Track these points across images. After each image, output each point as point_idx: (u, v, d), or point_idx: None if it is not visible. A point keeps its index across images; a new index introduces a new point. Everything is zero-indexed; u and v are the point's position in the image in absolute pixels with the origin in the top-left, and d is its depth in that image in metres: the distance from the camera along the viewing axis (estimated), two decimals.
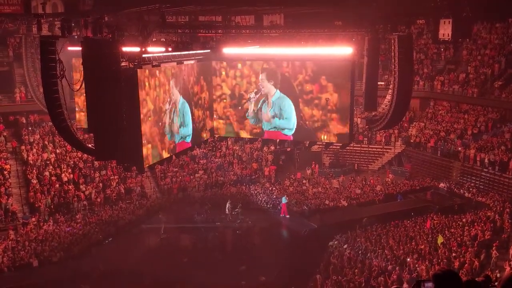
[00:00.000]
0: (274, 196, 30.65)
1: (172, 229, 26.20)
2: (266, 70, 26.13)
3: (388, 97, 22.14)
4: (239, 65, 26.31)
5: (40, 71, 17.66)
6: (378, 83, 24.70)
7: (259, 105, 26.36)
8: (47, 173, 30.21)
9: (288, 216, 27.85)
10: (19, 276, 21.96)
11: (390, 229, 24.60)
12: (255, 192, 31.63)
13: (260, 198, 30.64)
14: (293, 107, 25.85)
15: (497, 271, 18.74)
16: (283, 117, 26.07)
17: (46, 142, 32.98)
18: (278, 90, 25.99)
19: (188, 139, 25.02)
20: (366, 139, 37.28)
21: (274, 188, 32.24)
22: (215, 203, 29.50)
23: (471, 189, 29.78)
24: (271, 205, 29.63)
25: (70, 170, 30.98)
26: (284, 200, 28.29)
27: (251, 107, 26.55)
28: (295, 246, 25.15)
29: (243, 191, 31.81)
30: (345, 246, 23.14)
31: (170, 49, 20.63)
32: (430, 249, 21.37)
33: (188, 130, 24.86)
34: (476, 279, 4.20)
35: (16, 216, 27.26)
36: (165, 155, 23.01)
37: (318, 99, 25.16)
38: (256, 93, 26.30)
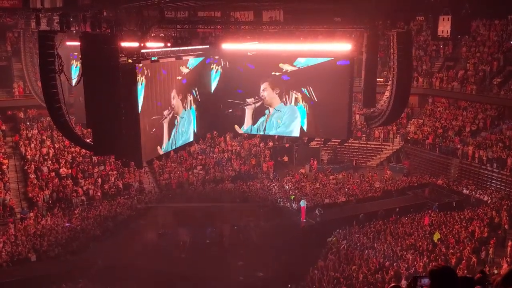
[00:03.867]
0: (275, 191, 30.75)
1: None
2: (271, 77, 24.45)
3: (387, 93, 22.11)
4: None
5: (39, 66, 17.62)
6: (377, 79, 24.67)
7: (260, 120, 25.09)
8: (45, 168, 30.20)
9: (305, 220, 27.04)
10: (17, 270, 21.96)
11: (388, 225, 24.67)
12: (254, 188, 31.69)
13: (260, 194, 30.70)
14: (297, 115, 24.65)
15: (494, 268, 18.83)
16: (286, 127, 24.98)
17: (45, 137, 32.95)
18: (282, 104, 24.60)
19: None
20: (364, 135, 37.32)
21: (274, 184, 32.32)
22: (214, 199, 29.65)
23: (469, 186, 29.86)
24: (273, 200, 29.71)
25: (68, 165, 30.97)
26: (302, 203, 27.57)
27: (248, 115, 25.17)
28: (293, 241, 25.20)
29: (241, 187, 31.86)
30: (343, 242, 23.19)
31: (169, 44, 20.60)
32: (428, 245, 21.44)
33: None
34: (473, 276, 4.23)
35: (14, 211, 27.26)
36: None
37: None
38: (255, 100, 24.80)
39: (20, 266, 22.35)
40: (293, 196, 29.20)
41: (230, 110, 25.29)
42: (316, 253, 22.99)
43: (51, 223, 25.98)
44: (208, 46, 23.56)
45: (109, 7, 20.48)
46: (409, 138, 36.40)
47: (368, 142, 37.42)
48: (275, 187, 31.79)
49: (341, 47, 22.45)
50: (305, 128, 24.68)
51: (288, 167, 35.98)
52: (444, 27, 26.37)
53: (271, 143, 36.43)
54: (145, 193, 30.94)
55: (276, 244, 24.10)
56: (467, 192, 29.23)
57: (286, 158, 36.93)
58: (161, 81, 21.44)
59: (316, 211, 27.16)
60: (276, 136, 28.43)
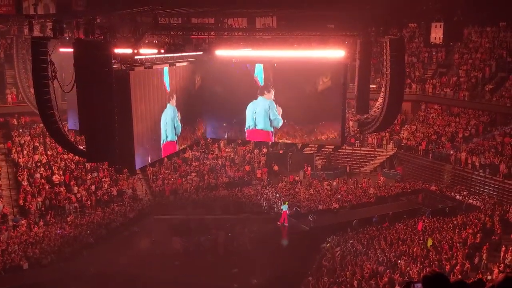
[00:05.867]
0: (268, 197, 30.69)
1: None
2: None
3: (380, 100, 22.17)
4: None
5: (32, 72, 17.56)
6: (370, 86, 24.75)
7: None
8: (38, 175, 30.01)
9: (286, 224, 27.10)
10: (9, 278, 21.77)
11: (382, 231, 24.69)
12: (249, 194, 31.63)
13: (254, 200, 30.64)
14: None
15: (487, 274, 18.86)
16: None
17: (37, 144, 32.77)
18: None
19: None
20: (358, 141, 37.40)
21: (268, 191, 32.26)
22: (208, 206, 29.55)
23: (462, 191, 29.96)
24: (267, 207, 29.66)
25: (61, 172, 30.79)
26: (285, 207, 27.58)
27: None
28: (287, 248, 25.16)
29: (235, 193, 31.77)
30: (337, 248, 23.17)
31: (162, 51, 20.60)
32: (422, 251, 21.46)
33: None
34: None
35: (7, 218, 27.04)
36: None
37: None
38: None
39: (12, 273, 22.16)
40: (287, 202, 29.17)
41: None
42: (311, 259, 22.96)
43: (43, 230, 25.80)
44: (201, 53, 23.59)
45: (103, 14, 20.47)
46: (402, 144, 36.51)
47: (362, 148, 37.51)
48: (269, 193, 31.74)
49: (334, 53, 22.54)
50: None
51: (282, 173, 35.94)
52: (437, 34, 26.50)
53: (265, 150, 36.40)
54: (138, 200, 30.81)
55: (270, 251, 24.07)
56: (460, 198, 29.33)
57: (276, 168, 36.50)
58: (157, 86, 21.46)
59: (310, 217, 27.15)
60: (270, 143, 28.38)
